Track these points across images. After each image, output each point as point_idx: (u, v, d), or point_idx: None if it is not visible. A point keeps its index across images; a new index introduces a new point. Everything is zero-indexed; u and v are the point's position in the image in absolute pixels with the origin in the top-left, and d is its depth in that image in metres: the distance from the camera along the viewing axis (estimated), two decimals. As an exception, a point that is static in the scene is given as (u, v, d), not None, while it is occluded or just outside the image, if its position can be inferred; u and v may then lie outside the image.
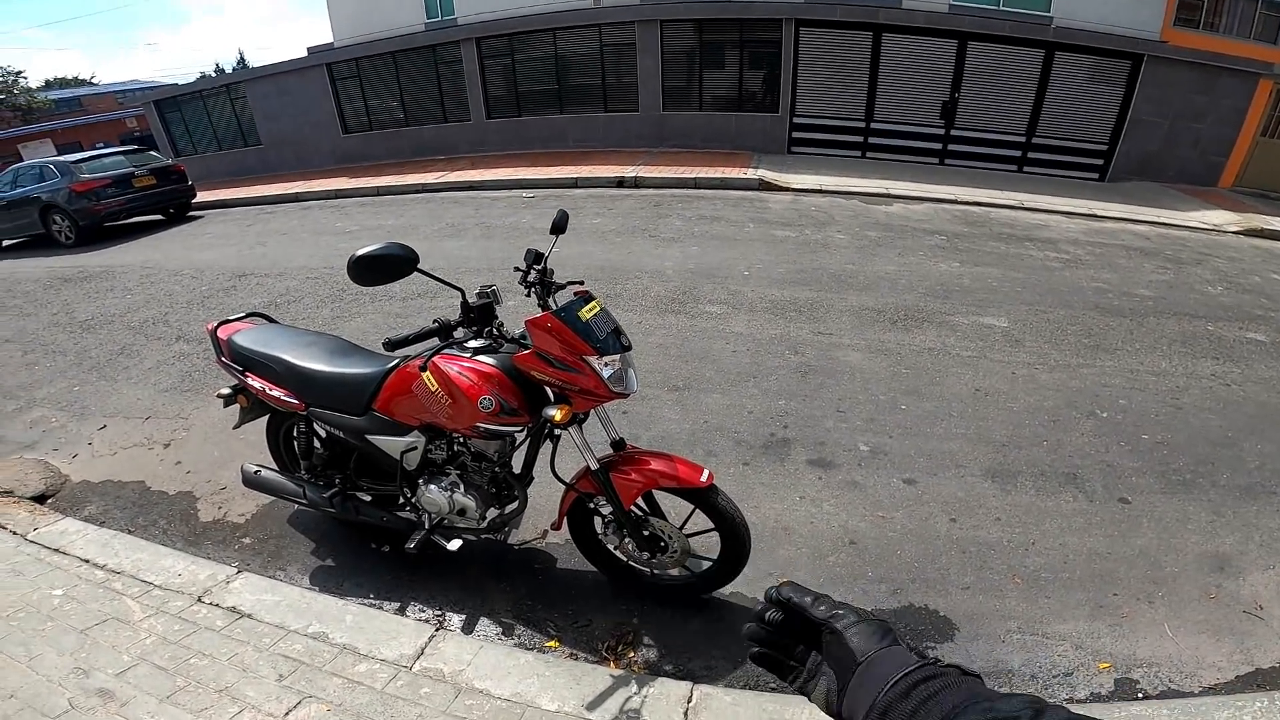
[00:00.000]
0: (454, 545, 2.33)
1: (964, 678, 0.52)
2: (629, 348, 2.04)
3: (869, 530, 2.73)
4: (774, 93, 12.18)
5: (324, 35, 17.53)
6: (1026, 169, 11.74)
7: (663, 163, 11.30)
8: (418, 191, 11.12)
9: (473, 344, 2.10)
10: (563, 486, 2.24)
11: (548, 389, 2.05)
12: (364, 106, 14.73)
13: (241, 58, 43.89)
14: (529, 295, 2.08)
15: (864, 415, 3.59)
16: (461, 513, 2.29)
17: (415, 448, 2.26)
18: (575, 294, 2.07)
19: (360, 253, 1.82)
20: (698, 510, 2.18)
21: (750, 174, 10.14)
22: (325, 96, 14.65)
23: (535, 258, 2.06)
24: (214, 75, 28.22)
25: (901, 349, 4.39)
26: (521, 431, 2.17)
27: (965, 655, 2.17)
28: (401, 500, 2.48)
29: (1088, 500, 2.92)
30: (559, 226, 2.19)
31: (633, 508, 2.16)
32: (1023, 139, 11.67)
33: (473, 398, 2.00)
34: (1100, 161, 11.60)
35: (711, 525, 2.17)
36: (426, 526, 2.36)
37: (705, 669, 2.13)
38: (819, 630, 0.59)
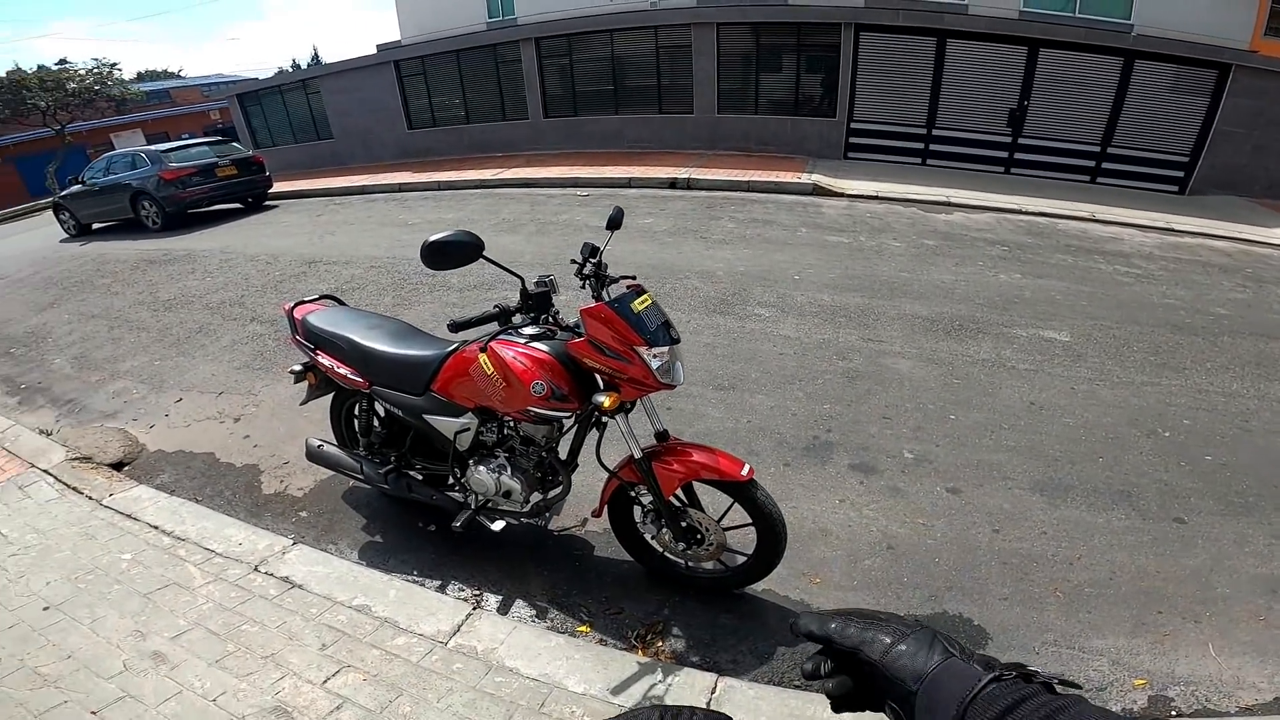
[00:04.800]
0: (498, 526, 2.42)
1: (1058, 697, 0.45)
2: (678, 340, 2.09)
3: (908, 536, 2.70)
4: (831, 97, 11.99)
5: (394, 32, 18.13)
6: (1100, 180, 11.21)
7: (716, 165, 11.28)
8: (476, 187, 11.41)
9: (528, 330, 2.18)
10: (605, 475, 2.30)
11: (598, 377, 2.12)
12: (428, 103, 15.17)
13: (316, 54, 45.79)
14: (584, 287, 2.16)
15: (911, 424, 3.54)
16: (507, 495, 2.37)
17: (468, 429, 2.36)
18: (628, 287, 2.13)
19: (432, 239, 1.93)
20: (736, 505, 2.21)
21: (804, 178, 10.03)
22: (392, 93, 15.16)
23: (591, 251, 2.15)
24: (290, 70, 29.51)
25: (954, 359, 4.29)
26: (570, 417, 2.23)
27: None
28: (451, 480, 2.59)
29: (1141, 518, 2.82)
30: (615, 222, 2.27)
31: (672, 498, 2.20)
32: (1097, 149, 11.14)
33: (526, 382, 2.09)
34: (1180, 174, 10.98)
35: (749, 520, 2.19)
36: (473, 507, 2.46)
37: (731, 662, 2.16)
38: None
